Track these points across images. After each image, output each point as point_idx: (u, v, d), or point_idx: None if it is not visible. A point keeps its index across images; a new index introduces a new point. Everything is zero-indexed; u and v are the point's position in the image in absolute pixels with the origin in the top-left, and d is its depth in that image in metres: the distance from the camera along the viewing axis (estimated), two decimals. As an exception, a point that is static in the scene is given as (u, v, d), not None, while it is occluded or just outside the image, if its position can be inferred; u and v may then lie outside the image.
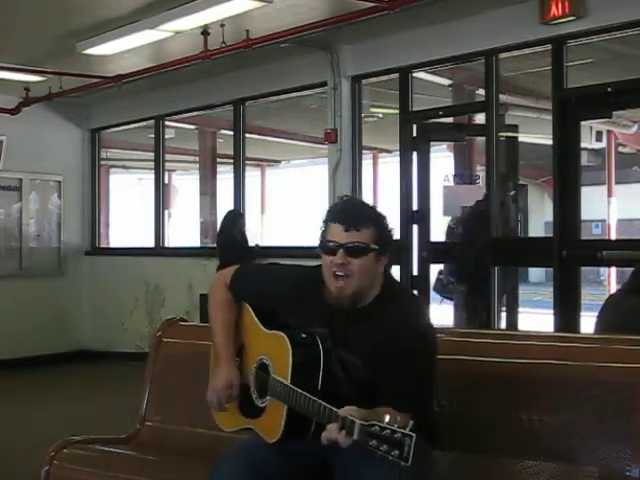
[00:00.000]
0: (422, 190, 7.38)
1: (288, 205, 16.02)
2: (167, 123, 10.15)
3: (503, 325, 7.16)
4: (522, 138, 10.42)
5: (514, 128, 7.82)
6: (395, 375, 2.46)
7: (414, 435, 2.09)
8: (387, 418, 2.14)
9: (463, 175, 8.14)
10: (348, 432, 2.21)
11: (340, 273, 2.57)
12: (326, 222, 2.65)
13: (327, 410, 2.32)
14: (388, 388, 2.46)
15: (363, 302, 2.62)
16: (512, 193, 7.56)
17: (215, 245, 8.82)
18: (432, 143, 7.79)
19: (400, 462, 2.09)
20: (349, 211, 2.66)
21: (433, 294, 7.88)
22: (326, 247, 2.60)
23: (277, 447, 2.55)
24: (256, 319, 2.79)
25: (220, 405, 2.77)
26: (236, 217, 8.62)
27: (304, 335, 2.58)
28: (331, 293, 2.60)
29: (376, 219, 2.63)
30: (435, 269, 7.99)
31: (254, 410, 2.68)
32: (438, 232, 8.25)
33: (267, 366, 2.65)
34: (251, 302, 2.85)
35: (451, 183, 8.08)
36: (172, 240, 10.45)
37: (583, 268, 6.59)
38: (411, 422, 2.13)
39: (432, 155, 7.62)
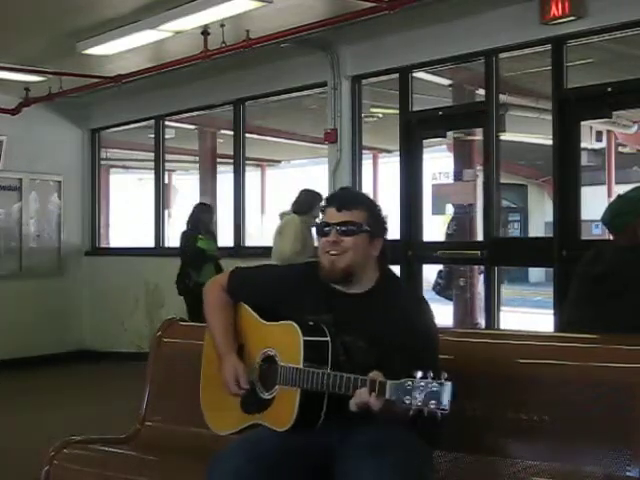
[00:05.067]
0: (416, 189, 7.39)
1: (288, 205, 16.00)
2: (167, 123, 10.15)
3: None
4: (522, 138, 10.44)
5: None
6: (400, 357, 2.46)
7: (451, 383, 2.09)
8: (419, 374, 2.16)
9: (459, 173, 8.14)
10: (380, 393, 2.23)
11: (334, 252, 2.65)
12: (323, 210, 2.76)
13: (354, 379, 2.35)
14: (394, 371, 2.44)
15: (359, 285, 2.69)
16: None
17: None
18: (432, 143, 7.78)
19: (438, 412, 2.09)
20: (342, 194, 2.85)
21: (432, 294, 7.89)
22: (320, 229, 2.70)
23: (280, 442, 2.54)
24: (256, 316, 2.81)
25: (233, 394, 2.75)
26: (201, 211, 8.37)
27: (311, 323, 2.63)
28: (324, 267, 2.68)
29: (368, 203, 2.75)
30: (431, 269, 8.00)
31: (260, 404, 2.68)
32: (440, 232, 8.27)
33: (273, 357, 2.67)
34: (250, 301, 2.86)
35: (440, 181, 8.07)
36: (172, 240, 10.44)
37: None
38: (445, 373, 2.15)
39: (432, 155, 7.63)
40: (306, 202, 7.23)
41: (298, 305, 2.70)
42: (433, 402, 2.07)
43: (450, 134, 8.04)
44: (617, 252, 3.83)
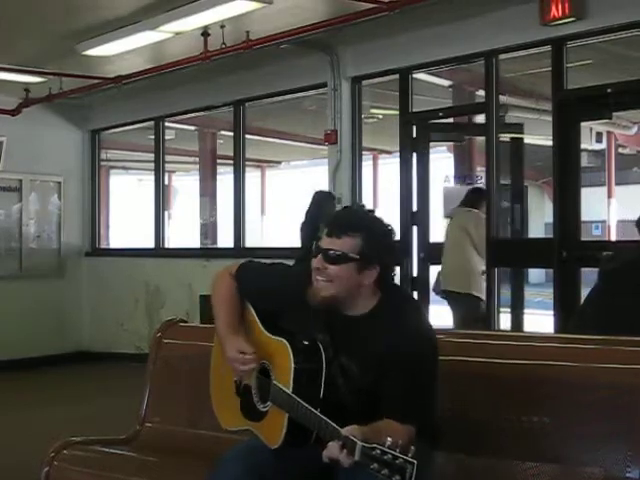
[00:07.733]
0: (421, 191, 7.39)
1: (288, 206, 16.02)
2: (167, 124, 10.15)
3: (502, 326, 7.16)
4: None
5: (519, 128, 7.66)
6: (398, 382, 2.45)
7: (415, 462, 2.06)
8: (389, 441, 2.10)
9: (465, 176, 8.14)
10: (349, 452, 2.18)
11: (318, 277, 2.58)
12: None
13: (329, 427, 2.30)
14: (391, 395, 2.45)
15: (355, 309, 2.61)
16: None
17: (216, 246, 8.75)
18: (432, 144, 7.79)
19: None
20: (338, 217, 2.72)
21: (432, 295, 7.88)
22: (314, 250, 2.62)
23: (278, 452, 2.54)
24: (257, 320, 2.78)
25: (243, 371, 2.70)
26: (324, 200, 7.34)
27: (306, 342, 2.57)
28: (314, 292, 2.62)
29: (367, 229, 2.57)
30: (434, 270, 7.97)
31: (256, 413, 2.66)
32: (439, 233, 8.26)
33: (268, 371, 2.64)
34: (253, 298, 2.84)
35: (451, 184, 8.07)
36: (172, 241, 10.46)
37: (583, 269, 6.59)
38: (413, 448, 2.09)
39: (432, 156, 7.63)
40: (473, 198, 7.18)
41: (297, 317, 2.67)
42: (397, 477, 2.05)
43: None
44: (631, 254, 3.81)
